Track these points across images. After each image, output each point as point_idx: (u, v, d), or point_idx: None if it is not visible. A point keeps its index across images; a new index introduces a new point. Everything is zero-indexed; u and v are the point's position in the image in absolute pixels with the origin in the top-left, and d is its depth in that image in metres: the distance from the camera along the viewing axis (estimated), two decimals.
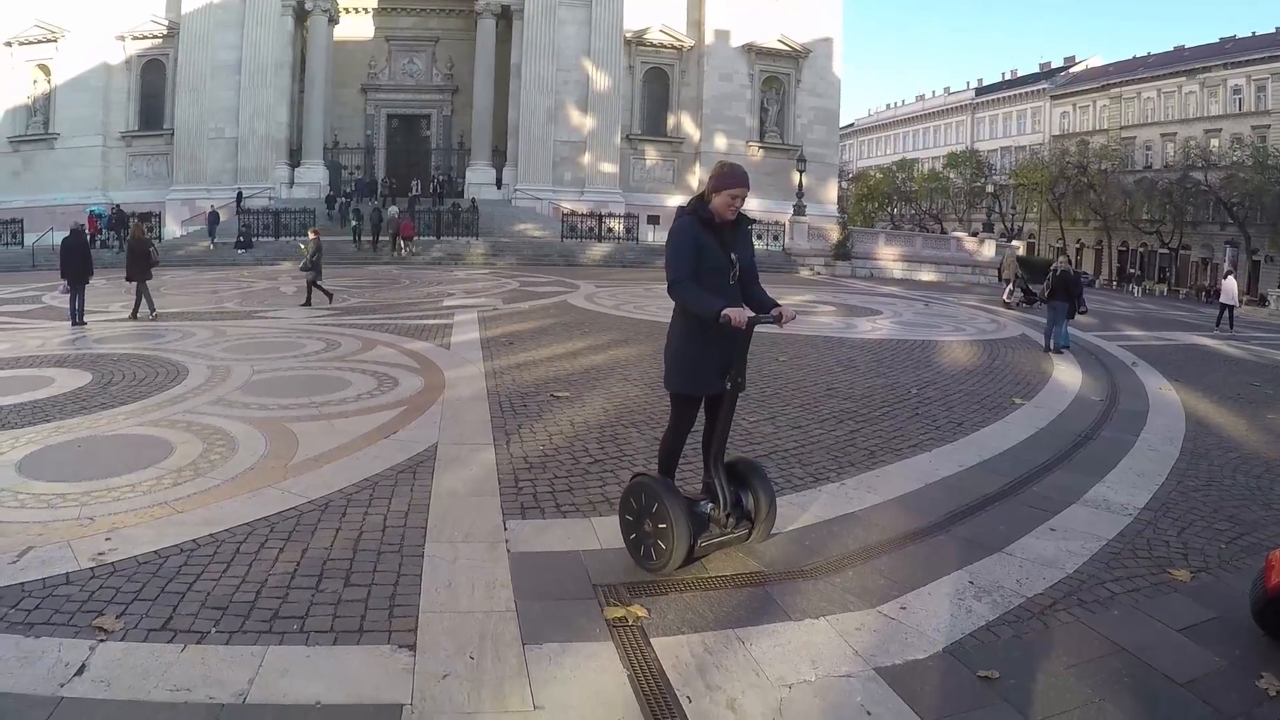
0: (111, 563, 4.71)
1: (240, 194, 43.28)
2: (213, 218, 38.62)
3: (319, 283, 19.21)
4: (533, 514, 5.84)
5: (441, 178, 48.96)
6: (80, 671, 3.62)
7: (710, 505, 4.99)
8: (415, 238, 38.91)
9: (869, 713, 3.61)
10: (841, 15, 55.14)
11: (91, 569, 4.62)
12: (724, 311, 4.57)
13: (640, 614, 4.32)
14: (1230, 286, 29.60)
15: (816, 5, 52.91)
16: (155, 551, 4.87)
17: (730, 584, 4.82)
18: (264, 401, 8.83)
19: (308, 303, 18.70)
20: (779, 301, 5.08)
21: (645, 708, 3.51)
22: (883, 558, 5.36)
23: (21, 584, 4.44)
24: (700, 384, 5.02)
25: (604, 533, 5.47)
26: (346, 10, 51.83)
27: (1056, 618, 4.66)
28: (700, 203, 4.97)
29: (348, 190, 46.44)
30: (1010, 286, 29.01)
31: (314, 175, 46.71)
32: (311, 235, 20.53)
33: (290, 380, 10.15)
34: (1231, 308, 28.73)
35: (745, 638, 4.17)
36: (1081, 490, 7.05)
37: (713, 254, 4.91)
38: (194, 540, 5.06)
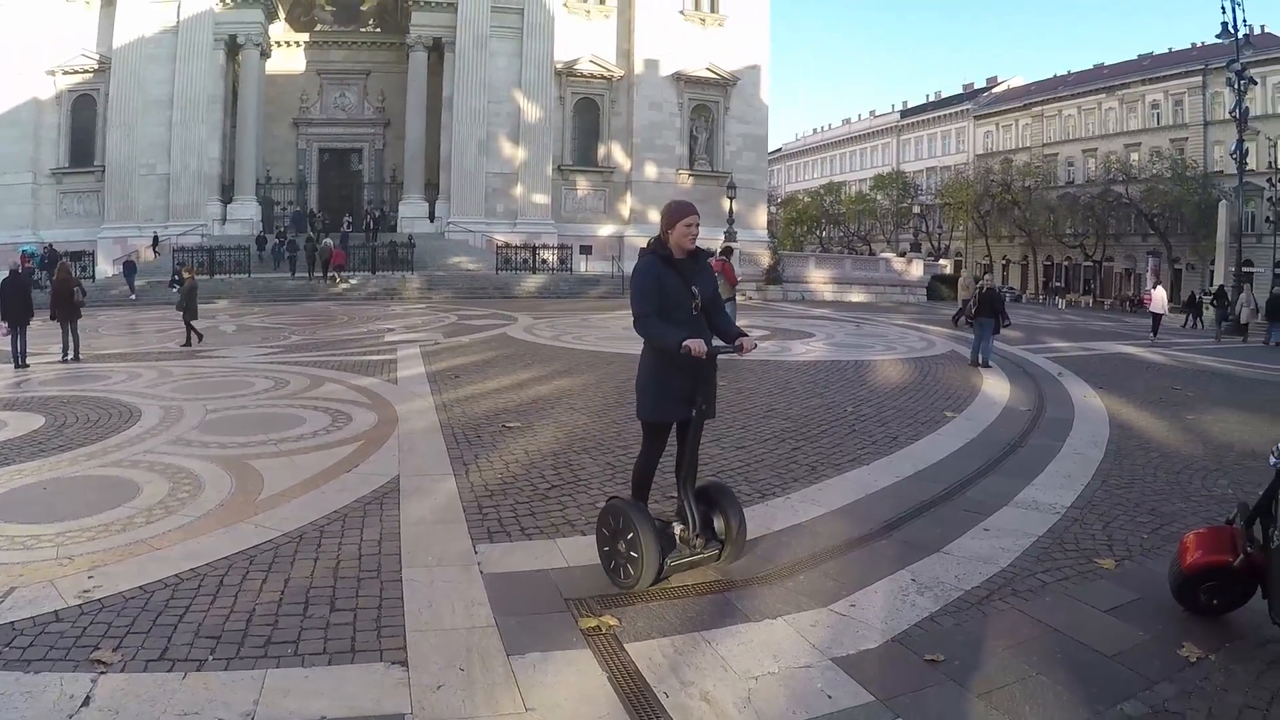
0: (99, 599, 4.80)
1: (156, 237, 42.27)
2: (129, 267, 36.58)
3: (191, 322, 18.75)
4: (500, 538, 6.07)
5: (375, 212, 48.64)
6: (86, 703, 3.72)
7: (680, 527, 5.22)
8: (347, 269, 38.90)
9: (829, 696, 3.93)
10: (769, 43, 56.02)
11: (79, 606, 4.70)
12: (684, 343, 4.84)
13: (612, 623, 4.60)
14: (1160, 296, 30.85)
15: (744, 34, 53.73)
16: (140, 587, 4.98)
17: (693, 592, 5.11)
18: (222, 440, 8.89)
19: (187, 343, 18.30)
20: (744, 331, 5.41)
21: (627, 704, 3.79)
22: (830, 562, 5.71)
23: (11, 623, 4.52)
24: (668, 412, 5.30)
25: (569, 552, 5.75)
26: (278, 43, 51.58)
27: (993, 606, 5.06)
28: (659, 242, 5.26)
29: (281, 227, 46.05)
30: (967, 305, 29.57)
31: (246, 211, 46.16)
32: (186, 274, 20.38)
33: (245, 418, 10.21)
34: (1160, 316, 29.91)
35: (711, 638, 4.47)
36: (1012, 493, 7.50)
37: (674, 288, 5.16)
38: (176, 575, 5.17)
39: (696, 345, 4.84)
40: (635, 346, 18.76)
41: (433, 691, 3.86)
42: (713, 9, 53.49)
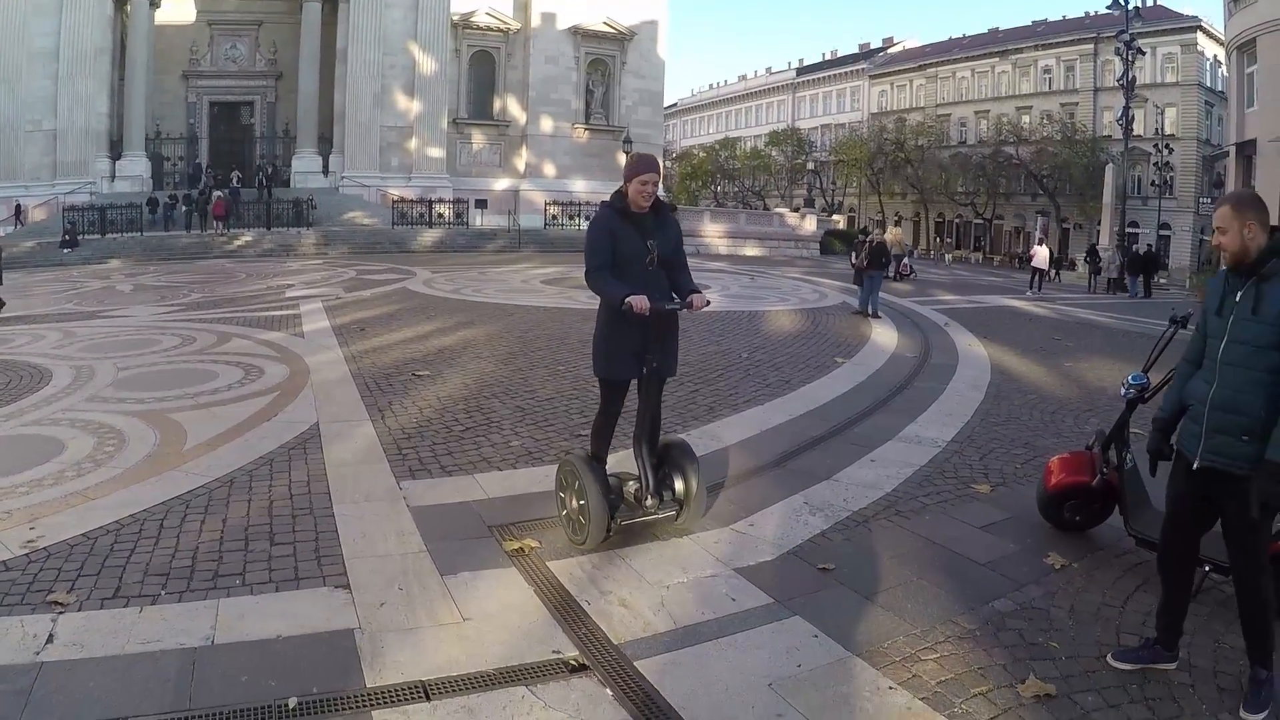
0: (44, 547, 4.88)
1: (19, 206, 39.28)
2: None
3: None
4: (421, 475, 6.36)
5: (268, 168, 46.76)
6: (50, 640, 3.83)
7: (635, 485, 5.08)
8: (241, 225, 38.13)
9: (733, 599, 4.38)
10: None
11: (26, 555, 4.78)
12: (626, 299, 4.65)
13: (533, 545, 4.96)
14: (1042, 253, 32.23)
15: None
16: (83, 534, 5.08)
17: None
18: (139, 396, 8.85)
19: None
20: (698, 288, 5.20)
21: (554, 611, 4.17)
22: (730, 489, 6.17)
23: None
24: (619, 369, 5.04)
25: (488, 485, 6.09)
26: None
27: (879, 524, 5.60)
28: (618, 194, 5.03)
29: (174, 181, 44.43)
30: (905, 260, 32.87)
31: (136, 168, 43.74)
32: None
33: (158, 375, 10.12)
34: (1043, 272, 31.32)
35: (624, 555, 4.88)
36: (897, 429, 8.08)
37: (629, 242, 4.92)
38: (117, 521, 5.29)
39: (639, 301, 4.65)
40: (534, 299, 19.24)
41: (377, 608, 4.16)
42: None
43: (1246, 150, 31.68)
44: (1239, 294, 3.64)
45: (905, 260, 33.46)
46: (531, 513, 5.51)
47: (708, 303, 5.16)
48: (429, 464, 6.65)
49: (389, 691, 3.45)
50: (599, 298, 5.03)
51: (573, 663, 3.70)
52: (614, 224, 4.96)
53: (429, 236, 40.08)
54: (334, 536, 5.07)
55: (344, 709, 3.35)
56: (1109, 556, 5.16)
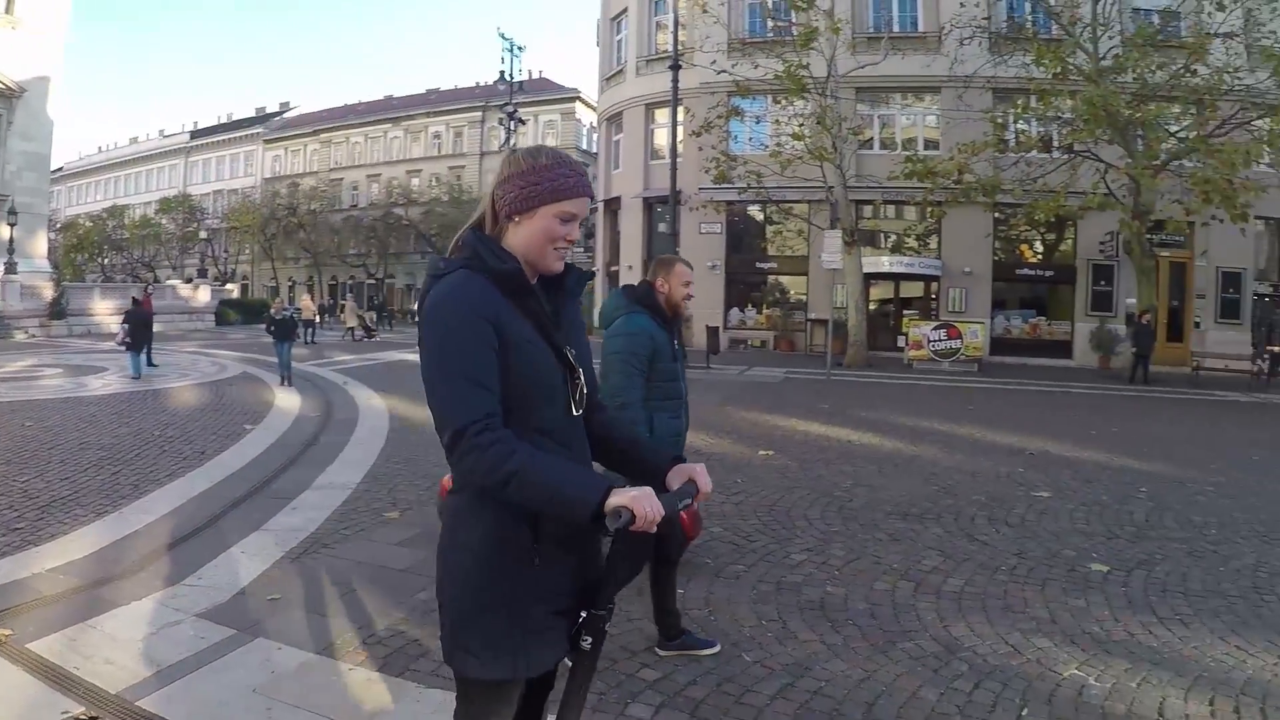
0: None
1: None
2: None
3: None
4: None
5: None
6: None
7: None
8: None
9: (202, 637, 4.89)
10: (63, 54, 46.99)
11: None
12: (615, 504, 1.88)
13: (5, 633, 4.93)
14: None
15: (35, 41, 43.66)
16: None
17: (62, 599, 5.45)
18: None
19: None
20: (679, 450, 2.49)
21: (51, 682, 4.31)
22: (173, 552, 6.53)
23: None
24: (522, 656, 2.10)
25: None
26: None
27: (311, 557, 6.46)
28: (486, 246, 2.21)
29: None
30: (357, 325, 37.14)
31: None
32: None
33: None
34: None
35: (95, 624, 5.06)
36: (312, 479, 9.00)
37: (533, 351, 2.11)
38: None
39: (642, 506, 1.88)
40: None
41: None
42: (8, 10, 42.69)
43: (614, 205, 37.14)
44: (676, 341, 4.63)
45: (357, 325, 37.86)
46: None
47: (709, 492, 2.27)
48: None
49: None
50: (466, 505, 2.23)
51: (84, 716, 3.98)
52: (498, 309, 2.08)
53: None
54: None
55: None
56: None
